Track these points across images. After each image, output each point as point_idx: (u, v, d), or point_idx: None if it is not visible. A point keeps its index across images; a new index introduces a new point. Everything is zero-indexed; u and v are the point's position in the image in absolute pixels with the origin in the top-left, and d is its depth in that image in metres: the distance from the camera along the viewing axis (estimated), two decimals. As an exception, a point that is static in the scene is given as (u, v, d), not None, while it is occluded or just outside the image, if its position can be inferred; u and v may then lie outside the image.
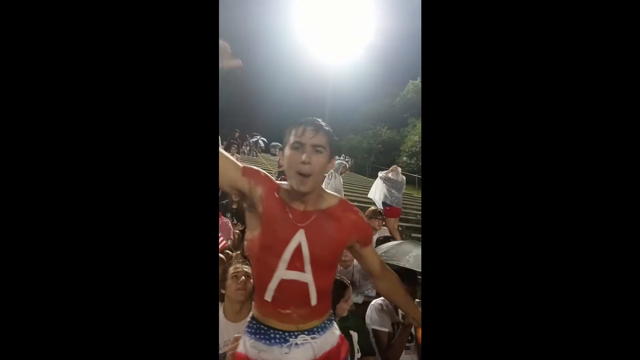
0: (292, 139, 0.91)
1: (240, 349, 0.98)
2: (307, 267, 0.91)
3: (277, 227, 0.91)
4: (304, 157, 0.87)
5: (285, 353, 0.91)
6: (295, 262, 0.91)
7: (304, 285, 0.92)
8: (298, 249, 0.90)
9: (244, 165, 0.95)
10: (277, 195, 0.94)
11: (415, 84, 18.64)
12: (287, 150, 0.92)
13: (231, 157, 0.95)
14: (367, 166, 16.25)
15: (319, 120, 0.93)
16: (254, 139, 13.01)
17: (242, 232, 2.68)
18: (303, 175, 0.88)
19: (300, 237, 0.91)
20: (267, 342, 0.93)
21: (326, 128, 0.92)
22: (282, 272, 0.91)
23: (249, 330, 0.97)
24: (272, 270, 0.91)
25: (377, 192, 3.85)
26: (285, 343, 0.92)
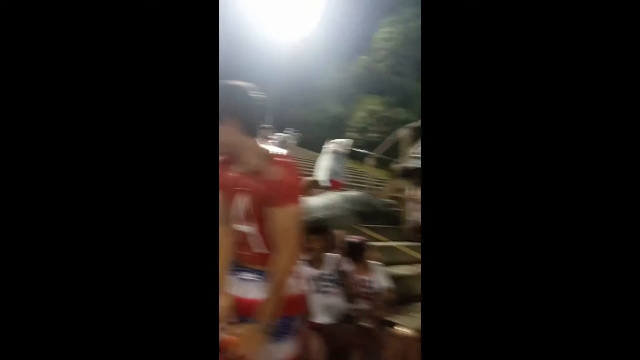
0: None
1: None
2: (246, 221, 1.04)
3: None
4: None
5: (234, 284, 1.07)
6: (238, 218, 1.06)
7: (245, 234, 1.05)
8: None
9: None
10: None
11: (364, 59, 18.39)
12: None
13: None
14: (313, 140, 15.39)
15: None
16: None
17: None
18: None
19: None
20: (232, 275, 1.09)
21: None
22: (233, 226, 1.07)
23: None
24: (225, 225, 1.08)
25: (327, 165, 3.77)
26: (236, 275, 1.09)
